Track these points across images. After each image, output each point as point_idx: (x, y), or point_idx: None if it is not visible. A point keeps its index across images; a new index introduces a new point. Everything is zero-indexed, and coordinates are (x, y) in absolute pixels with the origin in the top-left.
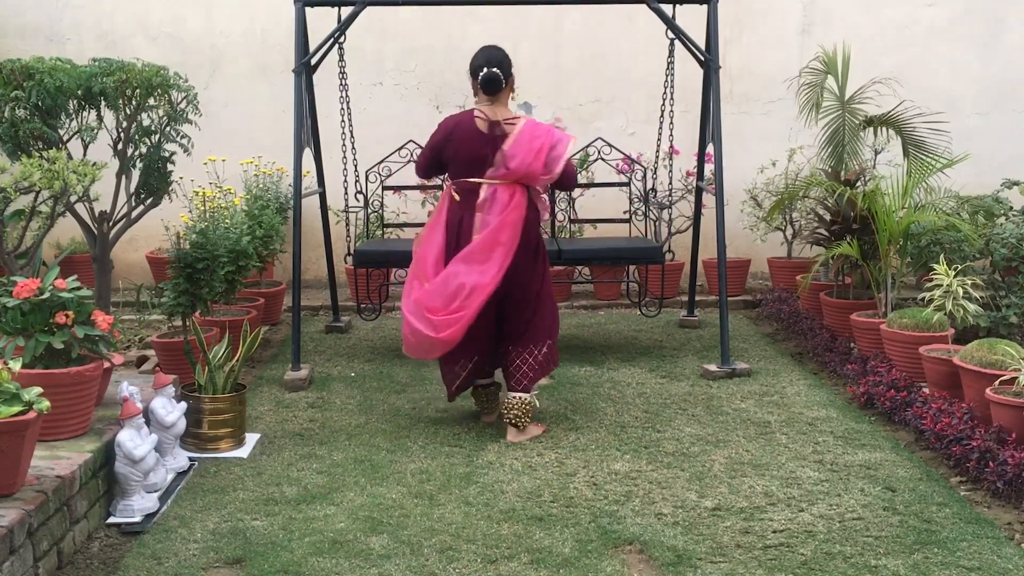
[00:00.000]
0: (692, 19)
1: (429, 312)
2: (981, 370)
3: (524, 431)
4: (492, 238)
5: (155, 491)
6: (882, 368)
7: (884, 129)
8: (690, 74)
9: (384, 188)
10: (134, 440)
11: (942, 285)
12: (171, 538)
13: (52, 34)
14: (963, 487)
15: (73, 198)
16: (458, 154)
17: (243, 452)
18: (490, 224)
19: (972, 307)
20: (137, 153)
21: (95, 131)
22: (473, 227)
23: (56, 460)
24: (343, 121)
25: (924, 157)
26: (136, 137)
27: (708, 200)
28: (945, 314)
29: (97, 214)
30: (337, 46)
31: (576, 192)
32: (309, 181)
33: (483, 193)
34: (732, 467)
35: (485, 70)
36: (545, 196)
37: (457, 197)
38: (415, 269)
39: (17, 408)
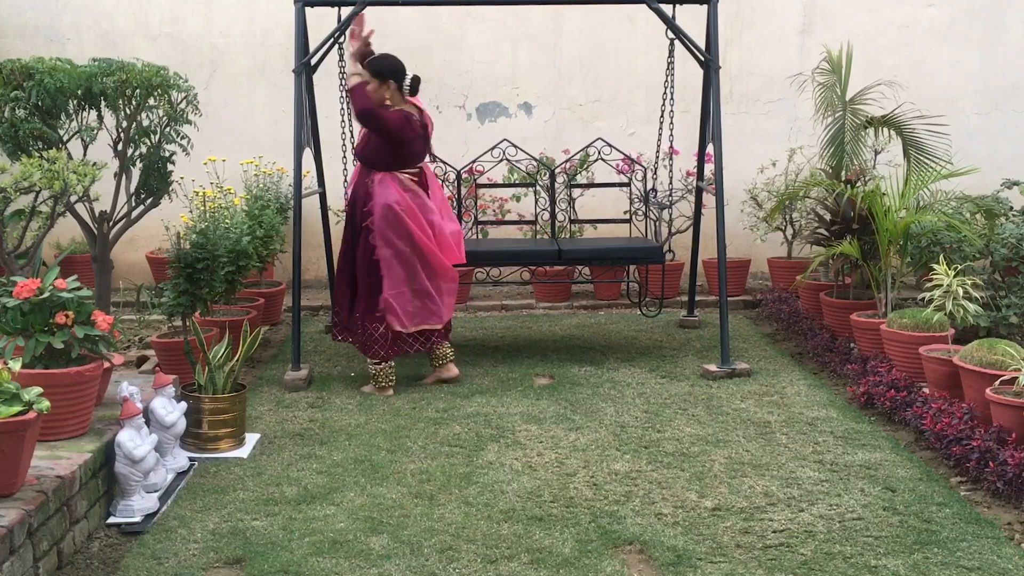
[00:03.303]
0: (692, 19)
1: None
2: (981, 370)
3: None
4: (443, 196)
5: (155, 491)
6: (882, 368)
7: (884, 129)
8: (690, 74)
9: None
10: (134, 440)
11: (942, 285)
12: (171, 538)
13: (52, 34)
14: (963, 487)
15: (73, 198)
16: (409, 149)
17: (243, 452)
18: (434, 189)
19: (972, 307)
20: (137, 153)
21: (95, 131)
22: (427, 199)
23: (56, 460)
24: (343, 121)
25: (924, 159)
26: (136, 137)
27: (708, 200)
28: (945, 314)
29: (97, 214)
30: (337, 46)
31: (576, 192)
32: (309, 181)
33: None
34: (732, 467)
35: (411, 75)
36: None
37: (414, 182)
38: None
39: (17, 408)
